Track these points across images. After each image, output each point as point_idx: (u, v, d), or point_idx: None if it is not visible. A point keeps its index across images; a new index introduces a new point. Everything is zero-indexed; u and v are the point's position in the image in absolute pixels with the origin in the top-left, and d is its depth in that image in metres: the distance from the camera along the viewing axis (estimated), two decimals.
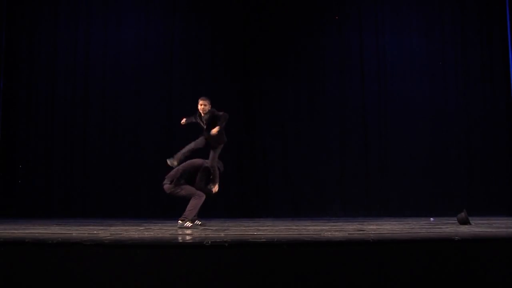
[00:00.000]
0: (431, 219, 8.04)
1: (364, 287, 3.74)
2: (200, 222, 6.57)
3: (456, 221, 6.79)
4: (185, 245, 4.05)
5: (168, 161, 6.44)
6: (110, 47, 10.40)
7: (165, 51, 10.46)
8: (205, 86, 10.29)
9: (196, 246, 3.91)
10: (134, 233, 5.35)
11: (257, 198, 10.15)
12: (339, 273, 3.75)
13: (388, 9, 10.79)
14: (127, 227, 6.44)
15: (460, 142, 10.54)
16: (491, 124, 10.56)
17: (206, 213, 7.01)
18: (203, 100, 6.60)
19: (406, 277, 3.79)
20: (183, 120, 6.81)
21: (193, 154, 6.61)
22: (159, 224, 6.93)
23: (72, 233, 5.10)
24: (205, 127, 6.58)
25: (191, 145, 6.52)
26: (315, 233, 5.05)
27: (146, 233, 5.36)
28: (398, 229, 5.81)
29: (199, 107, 6.59)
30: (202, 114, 6.61)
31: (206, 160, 6.60)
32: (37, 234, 4.86)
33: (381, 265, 3.79)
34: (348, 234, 4.94)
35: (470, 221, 6.57)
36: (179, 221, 6.25)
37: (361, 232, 5.14)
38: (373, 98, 10.57)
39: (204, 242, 3.86)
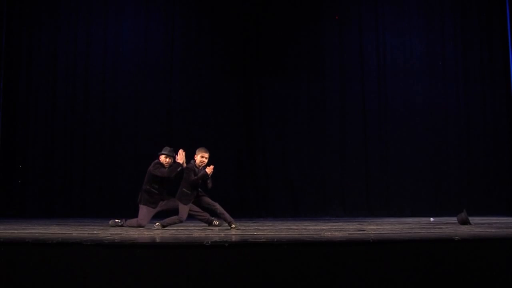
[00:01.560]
0: (431, 219, 8.05)
1: (364, 287, 3.74)
2: (217, 222, 6.58)
3: (456, 221, 6.79)
4: (185, 245, 4.05)
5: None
6: (110, 47, 10.40)
7: (165, 50, 10.46)
8: (205, 85, 10.33)
9: (196, 246, 3.91)
10: (134, 233, 5.36)
11: (257, 198, 10.15)
12: (339, 273, 3.75)
13: (388, 9, 10.79)
14: (127, 227, 6.45)
15: (460, 142, 10.54)
16: (491, 124, 10.57)
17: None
18: (208, 153, 6.26)
19: (406, 277, 3.78)
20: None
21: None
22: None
23: (72, 233, 5.10)
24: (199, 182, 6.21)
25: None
26: (315, 233, 5.05)
27: (146, 233, 5.37)
28: (398, 229, 5.81)
29: (203, 160, 6.17)
30: (199, 168, 6.21)
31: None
32: (37, 234, 4.86)
33: (381, 265, 3.79)
34: (348, 234, 4.94)
35: (470, 221, 6.57)
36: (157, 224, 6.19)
37: (361, 232, 5.14)
38: (373, 98, 10.56)
39: (204, 242, 3.86)
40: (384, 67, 10.65)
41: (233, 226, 6.02)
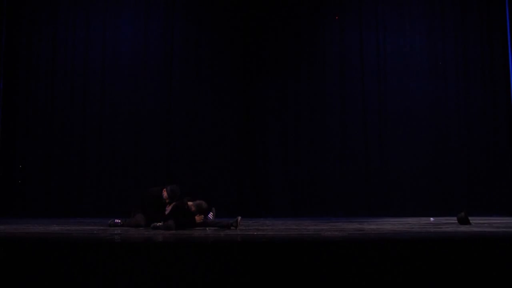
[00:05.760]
0: (431, 219, 8.04)
1: (364, 287, 3.74)
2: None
3: (456, 221, 6.79)
4: (185, 245, 4.05)
5: None
6: (110, 47, 10.37)
7: (165, 50, 10.44)
8: (205, 86, 10.33)
9: (196, 246, 3.91)
10: (134, 233, 5.36)
11: (257, 198, 10.14)
12: (339, 273, 3.75)
13: (389, 9, 10.77)
14: (127, 227, 6.45)
15: (460, 141, 10.52)
16: (491, 123, 10.55)
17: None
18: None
19: (406, 277, 3.79)
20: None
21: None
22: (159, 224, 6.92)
23: (72, 233, 5.11)
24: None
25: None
26: (315, 233, 5.06)
27: (146, 233, 5.37)
28: (398, 229, 5.81)
29: (199, 215, 6.26)
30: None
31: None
32: (37, 234, 4.87)
33: (381, 265, 3.80)
34: (348, 234, 4.95)
35: (470, 221, 6.57)
36: (158, 224, 6.19)
37: (361, 232, 5.14)
38: (373, 98, 10.55)
39: (205, 242, 3.86)
40: (384, 67, 10.63)
41: (234, 225, 5.99)
